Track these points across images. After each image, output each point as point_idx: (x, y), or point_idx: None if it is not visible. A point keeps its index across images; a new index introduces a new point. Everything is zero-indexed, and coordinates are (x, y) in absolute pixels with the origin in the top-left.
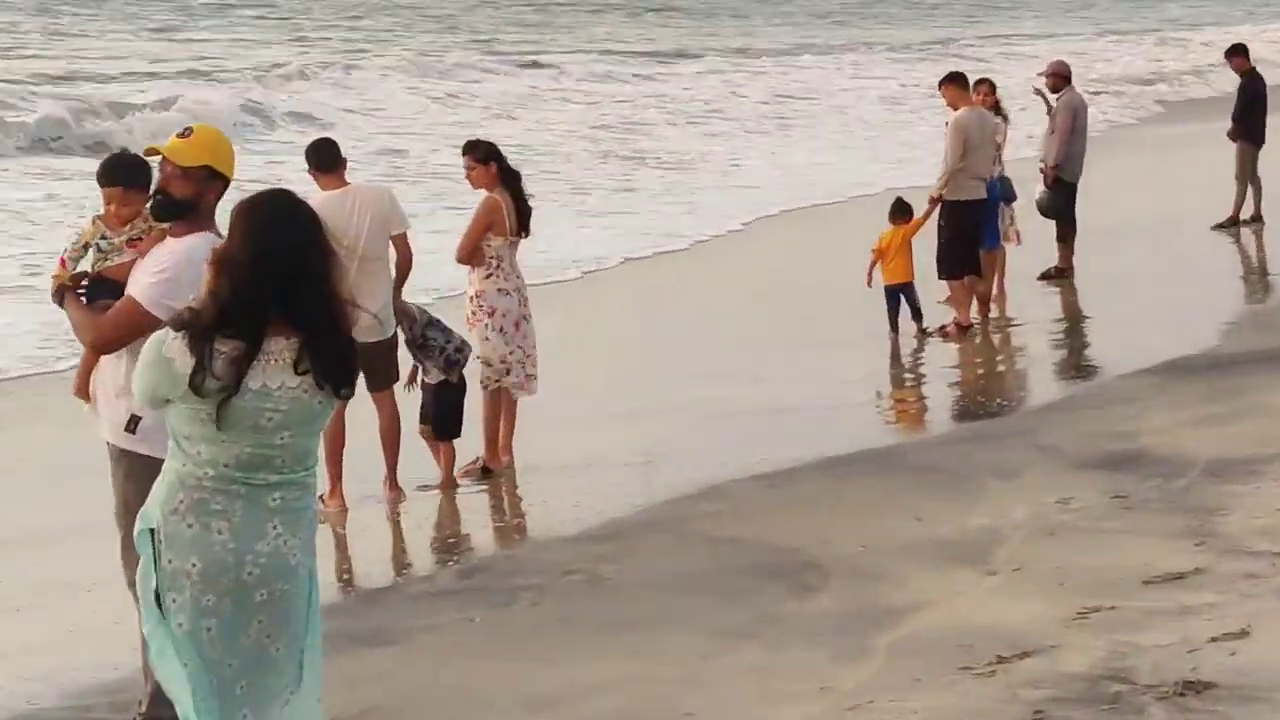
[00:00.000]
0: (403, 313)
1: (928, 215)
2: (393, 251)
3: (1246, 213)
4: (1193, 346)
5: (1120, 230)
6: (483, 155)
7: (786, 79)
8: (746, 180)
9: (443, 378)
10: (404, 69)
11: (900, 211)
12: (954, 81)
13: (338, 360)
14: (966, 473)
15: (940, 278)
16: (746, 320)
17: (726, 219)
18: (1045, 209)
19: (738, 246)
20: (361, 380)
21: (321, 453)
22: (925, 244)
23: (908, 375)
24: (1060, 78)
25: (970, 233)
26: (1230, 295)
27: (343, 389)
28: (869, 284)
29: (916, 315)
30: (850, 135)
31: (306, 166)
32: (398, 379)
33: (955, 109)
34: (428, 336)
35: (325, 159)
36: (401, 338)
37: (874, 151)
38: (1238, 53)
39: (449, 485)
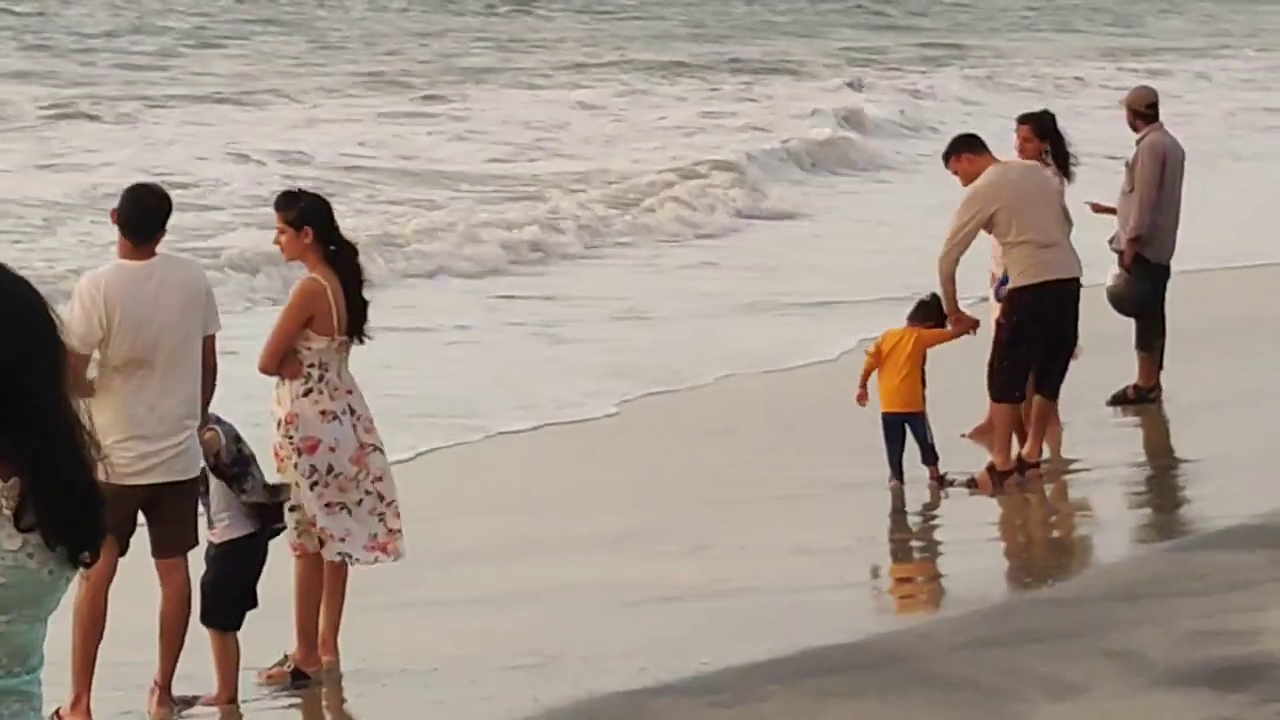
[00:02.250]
0: (203, 440)
1: (959, 334)
2: None
3: None
4: None
5: (1231, 333)
6: (297, 216)
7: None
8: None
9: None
10: None
11: (925, 313)
12: (966, 149)
13: (74, 509)
14: (1005, 688)
15: (993, 399)
16: (681, 466)
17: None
18: (1121, 301)
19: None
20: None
21: (70, 643)
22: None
23: (916, 544)
24: (1140, 112)
25: (1045, 331)
26: None
27: (83, 551)
28: (863, 400)
29: (929, 455)
30: None
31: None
32: (196, 542)
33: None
34: (241, 450)
35: (133, 217)
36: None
37: None
38: None
39: (224, 699)
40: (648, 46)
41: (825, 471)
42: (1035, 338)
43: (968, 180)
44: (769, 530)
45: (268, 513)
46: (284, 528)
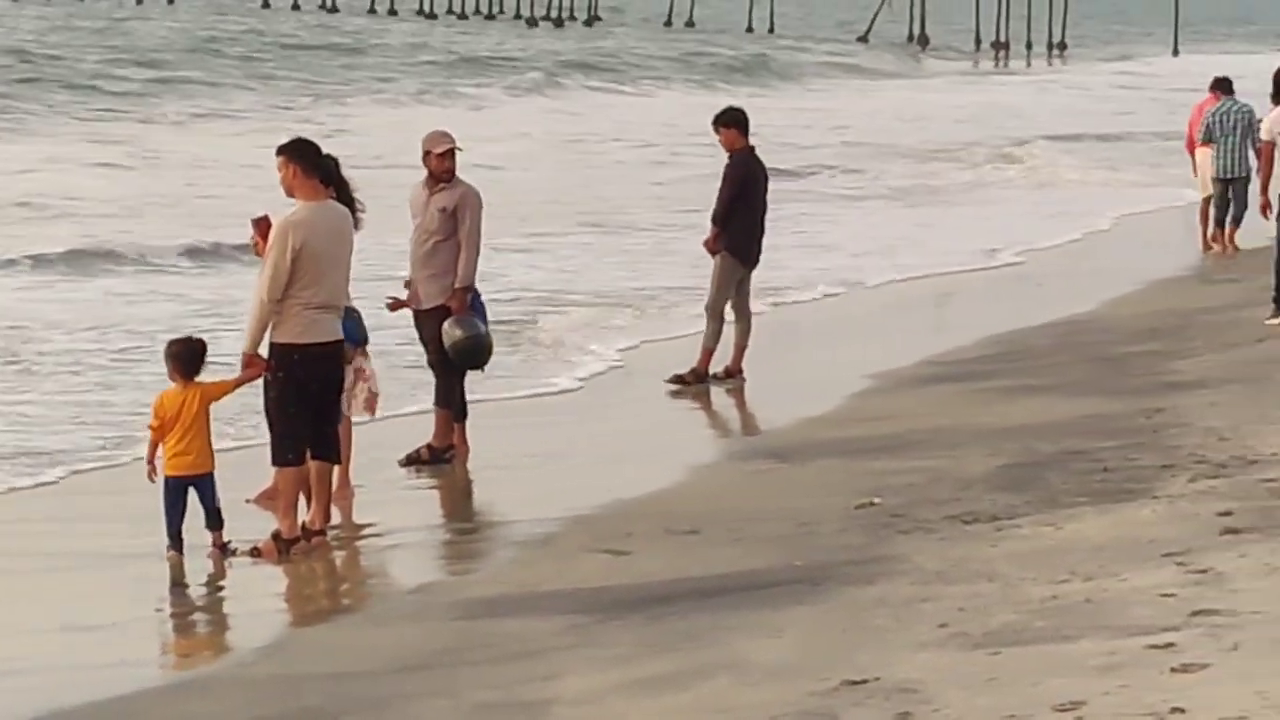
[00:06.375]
0: None
1: (246, 380)
2: None
3: (719, 365)
4: (631, 569)
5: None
6: None
7: None
8: None
9: None
10: None
11: (189, 363)
12: (299, 160)
13: None
14: None
15: (273, 462)
16: None
17: None
18: (465, 354)
19: None
20: None
21: None
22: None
23: (198, 618)
24: (442, 160)
25: (314, 394)
26: (687, 490)
27: None
28: (154, 476)
29: (214, 520)
30: None
31: None
32: None
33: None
34: None
35: None
36: None
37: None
38: (731, 123)
39: None
40: None
41: (98, 541)
42: (304, 399)
43: (288, 191)
44: (33, 605)
45: None
46: None
